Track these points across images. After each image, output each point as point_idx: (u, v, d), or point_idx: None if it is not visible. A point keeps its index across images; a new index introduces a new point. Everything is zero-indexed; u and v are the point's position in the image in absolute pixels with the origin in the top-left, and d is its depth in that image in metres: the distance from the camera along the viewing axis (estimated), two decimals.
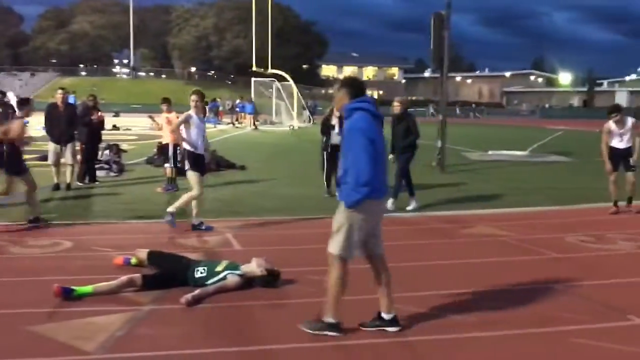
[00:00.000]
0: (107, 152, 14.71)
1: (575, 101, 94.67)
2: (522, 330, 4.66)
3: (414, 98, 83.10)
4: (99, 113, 12.68)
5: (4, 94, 22.99)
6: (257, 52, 43.39)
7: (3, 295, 5.39)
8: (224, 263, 5.69)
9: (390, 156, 10.20)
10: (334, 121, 10.75)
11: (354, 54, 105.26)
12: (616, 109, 9.80)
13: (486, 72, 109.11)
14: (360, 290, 4.78)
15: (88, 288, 5.25)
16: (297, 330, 4.49)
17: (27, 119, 8.80)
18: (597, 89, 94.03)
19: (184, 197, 8.13)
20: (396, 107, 10.16)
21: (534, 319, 4.88)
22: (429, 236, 8.30)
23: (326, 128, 11.09)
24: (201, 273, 5.52)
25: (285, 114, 42.63)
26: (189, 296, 5.12)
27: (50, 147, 11.64)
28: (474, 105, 77.67)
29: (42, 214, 8.42)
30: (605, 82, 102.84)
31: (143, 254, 6.12)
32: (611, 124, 9.68)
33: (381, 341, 4.40)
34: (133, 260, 6.21)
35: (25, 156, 8.84)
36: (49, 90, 55.43)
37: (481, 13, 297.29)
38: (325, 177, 11.25)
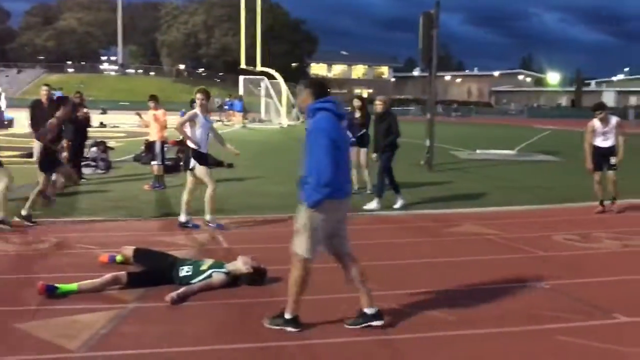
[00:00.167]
0: (93, 149, 14.60)
1: (563, 101, 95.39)
2: (507, 328, 4.66)
3: (402, 97, 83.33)
4: (85, 110, 12.59)
5: None
6: (246, 50, 43.32)
7: None
8: (209, 262, 5.67)
9: (374, 155, 10.23)
10: None
11: (344, 53, 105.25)
12: (601, 107, 9.84)
13: (475, 72, 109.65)
14: (339, 289, 4.77)
15: (72, 286, 5.21)
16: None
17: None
18: (585, 88, 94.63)
19: (207, 199, 8.13)
20: (378, 105, 10.16)
21: (520, 316, 4.89)
22: (416, 234, 8.31)
23: None
24: (186, 272, 5.49)
25: (274, 112, 42.62)
26: (173, 294, 5.10)
27: (36, 144, 11.52)
28: (455, 105, 78.08)
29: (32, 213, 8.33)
30: (593, 82, 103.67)
31: (129, 251, 6.11)
32: (595, 122, 9.70)
33: (363, 339, 4.39)
34: (118, 258, 6.18)
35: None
36: (36, 87, 54.91)
37: (470, 12, 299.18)
38: None
